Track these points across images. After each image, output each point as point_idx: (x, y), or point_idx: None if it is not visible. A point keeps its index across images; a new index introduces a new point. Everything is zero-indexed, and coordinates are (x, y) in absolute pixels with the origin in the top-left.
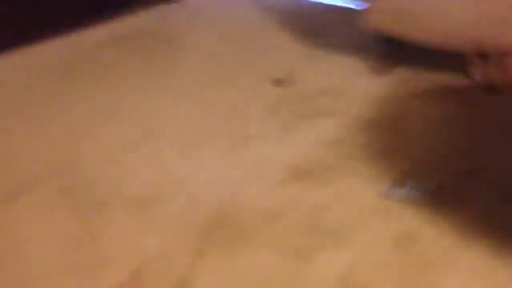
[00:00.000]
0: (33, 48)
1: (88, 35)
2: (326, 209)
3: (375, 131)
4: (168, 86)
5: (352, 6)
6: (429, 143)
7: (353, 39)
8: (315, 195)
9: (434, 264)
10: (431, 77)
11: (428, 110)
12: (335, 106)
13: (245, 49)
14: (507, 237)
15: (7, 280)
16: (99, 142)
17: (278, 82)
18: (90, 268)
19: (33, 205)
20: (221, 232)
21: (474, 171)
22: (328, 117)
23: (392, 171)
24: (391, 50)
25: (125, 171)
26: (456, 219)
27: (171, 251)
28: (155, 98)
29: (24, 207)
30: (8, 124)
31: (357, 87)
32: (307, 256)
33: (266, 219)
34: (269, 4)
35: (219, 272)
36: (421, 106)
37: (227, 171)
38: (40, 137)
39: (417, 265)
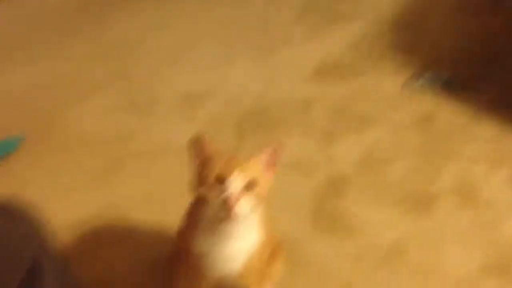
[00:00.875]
0: None
1: None
2: (351, 99)
3: (396, 30)
4: (202, 2)
5: None
6: (446, 37)
7: None
8: (341, 88)
9: (451, 136)
10: None
11: (446, 7)
12: (358, 10)
13: None
14: None
15: None
16: (145, 54)
17: None
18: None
19: (98, 105)
20: (258, 120)
21: (491, 59)
22: (352, 20)
23: (411, 64)
24: None
25: (171, 77)
26: (471, 101)
27: (217, 137)
28: (193, 12)
29: (91, 107)
30: (70, 40)
31: None
32: (335, 137)
33: (297, 108)
34: None
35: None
36: (442, 2)
37: (260, 72)
38: (97, 50)
39: (436, 138)
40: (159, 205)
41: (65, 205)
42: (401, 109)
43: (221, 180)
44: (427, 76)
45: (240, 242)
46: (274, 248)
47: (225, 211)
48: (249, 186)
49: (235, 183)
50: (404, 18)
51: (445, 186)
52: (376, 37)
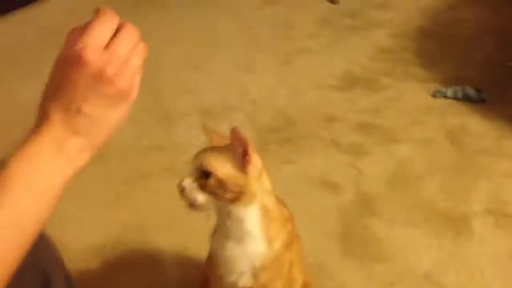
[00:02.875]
0: None
1: None
2: (378, 112)
3: (424, 38)
4: (222, 9)
5: None
6: (476, 46)
7: None
8: (366, 100)
9: (484, 151)
10: None
11: (475, 17)
12: (385, 17)
13: None
14: None
15: None
16: (170, 63)
17: None
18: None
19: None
20: (281, 134)
21: None
22: (378, 27)
23: (441, 73)
24: None
25: (196, 86)
26: (502, 114)
27: None
28: (213, 21)
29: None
30: None
31: None
32: (363, 152)
33: (322, 121)
34: None
35: (283, 165)
36: (468, 13)
37: (282, 83)
38: None
39: (467, 153)
40: (184, 226)
41: (84, 226)
42: (429, 122)
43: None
44: (455, 88)
45: (242, 246)
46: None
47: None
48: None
49: (190, 172)
50: (431, 28)
51: (479, 204)
52: (402, 47)
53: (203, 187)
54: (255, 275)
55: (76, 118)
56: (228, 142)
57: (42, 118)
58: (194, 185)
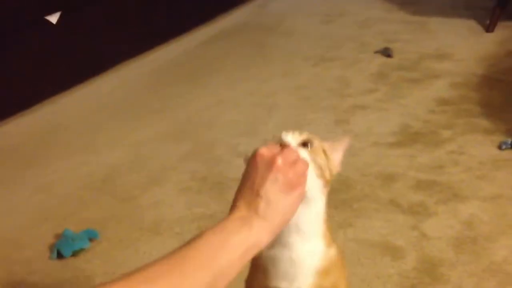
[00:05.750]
0: (148, 54)
1: (193, 36)
2: (439, 169)
3: (485, 87)
4: (276, 70)
5: None
6: None
7: (449, 3)
8: (430, 154)
9: None
10: None
11: None
12: (443, 68)
13: (345, 24)
14: None
15: None
16: (223, 128)
17: (381, 51)
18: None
19: (170, 188)
20: (338, 194)
21: None
22: (437, 78)
23: (507, 123)
24: (494, 5)
25: (249, 150)
26: None
27: None
28: (266, 82)
29: (164, 190)
30: (144, 117)
31: (462, 47)
32: (425, 213)
33: (380, 180)
34: None
35: (339, 229)
36: None
37: (336, 140)
38: (173, 121)
39: None
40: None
41: None
42: (497, 177)
43: (277, 139)
44: None
45: (306, 244)
46: None
47: None
48: (306, 145)
49: (290, 137)
50: (492, 75)
51: None
52: (462, 97)
53: (305, 150)
54: (317, 280)
55: (255, 199)
56: None
57: (231, 209)
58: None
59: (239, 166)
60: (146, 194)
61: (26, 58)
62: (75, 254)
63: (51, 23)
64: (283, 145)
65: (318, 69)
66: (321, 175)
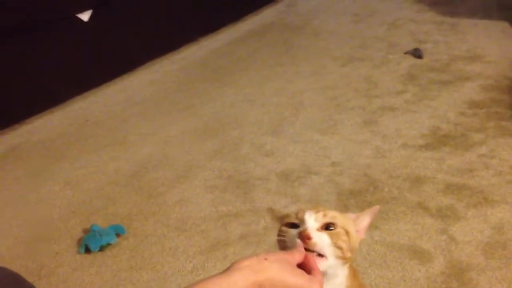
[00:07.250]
0: (177, 52)
1: (222, 35)
2: (473, 169)
3: None
4: (303, 69)
5: None
6: None
7: (481, 4)
8: (460, 157)
9: None
10: None
11: None
12: (474, 70)
13: (374, 24)
14: None
15: None
16: (250, 127)
17: (411, 52)
18: (248, 238)
19: (197, 186)
20: (365, 197)
21: None
22: (466, 81)
23: None
24: None
25: (275, 149)
26: None
27: None
28: (293, 81)
29: (191, 187)
30: (172, 115)
31: (493, 49)
32: (454, 217)
33: (408, 182)
34: None
35: (370, 233)
36: None
37: (367, 142)
38: (201, 118)
39: None
40: None
41: None
42: None
43: (300, 219)
44: None
45: None
46: None
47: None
48: (328, 227)
49: (313, 219)
50: None
51: None
52: (494, 100)
53: (325, 234)
54: None
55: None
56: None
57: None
58: (318, 230)
59: (265, 166)
60: (172, 191)
61: (58, 55)
62: (102, 249)
63: (82, 20)
64: (303, 233)
65: (346, 69)
66: (342, 257)
